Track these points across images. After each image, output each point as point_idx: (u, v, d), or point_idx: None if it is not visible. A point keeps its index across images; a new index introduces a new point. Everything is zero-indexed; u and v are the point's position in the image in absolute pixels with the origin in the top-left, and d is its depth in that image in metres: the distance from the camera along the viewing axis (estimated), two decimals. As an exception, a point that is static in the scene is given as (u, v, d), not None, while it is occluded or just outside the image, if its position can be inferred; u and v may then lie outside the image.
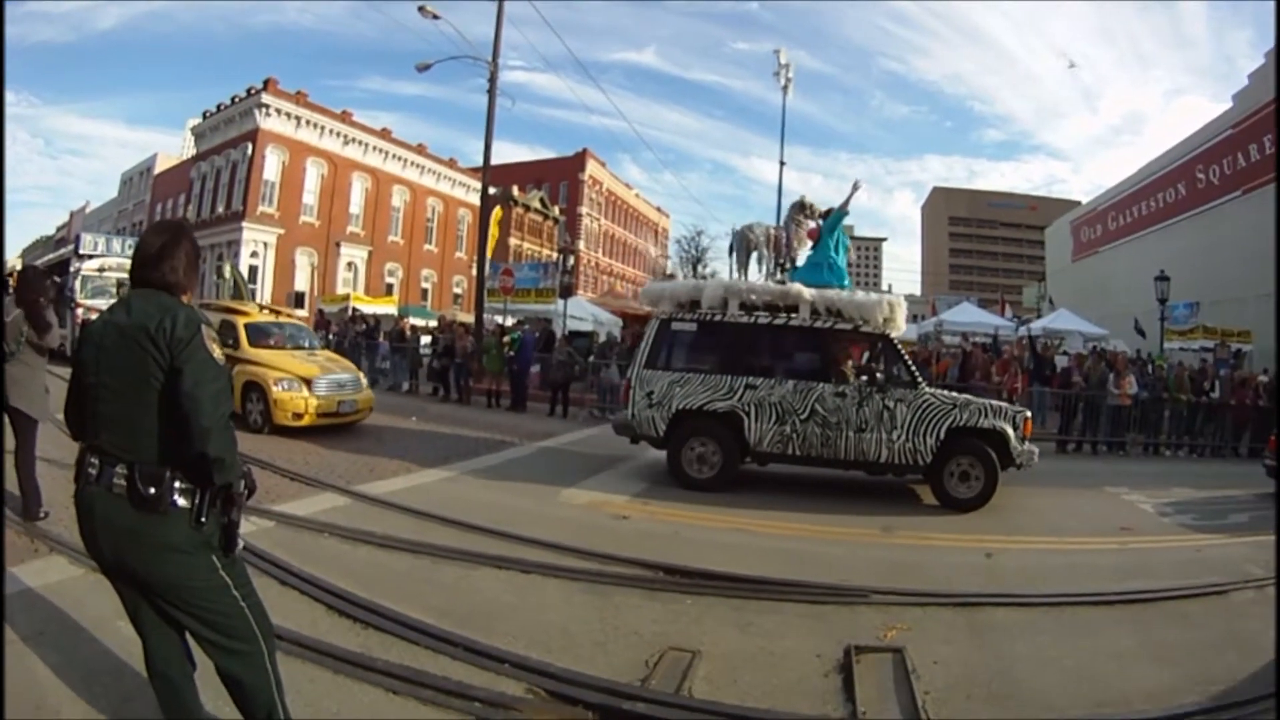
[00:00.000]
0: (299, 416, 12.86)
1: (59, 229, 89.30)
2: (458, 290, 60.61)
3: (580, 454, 13.30)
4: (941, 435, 10.07)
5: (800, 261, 12.39)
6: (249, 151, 46.51)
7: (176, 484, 2.93)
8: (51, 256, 31.36)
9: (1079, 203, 66.50)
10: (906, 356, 10.77)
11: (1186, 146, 39.92)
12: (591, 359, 20.79)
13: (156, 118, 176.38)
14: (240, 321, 14.36)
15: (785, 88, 32.49)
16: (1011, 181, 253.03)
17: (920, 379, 10.50)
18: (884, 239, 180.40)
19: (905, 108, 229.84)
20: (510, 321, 25.57)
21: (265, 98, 46.35)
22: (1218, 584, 7.20)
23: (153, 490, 2.89)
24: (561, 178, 74.67)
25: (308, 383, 13.11)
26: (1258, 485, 12.88)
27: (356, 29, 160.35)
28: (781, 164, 34.39)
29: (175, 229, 3.27)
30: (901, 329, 11.06)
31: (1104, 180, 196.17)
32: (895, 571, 7.21)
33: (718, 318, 10.96)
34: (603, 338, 25.98)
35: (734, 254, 12.77)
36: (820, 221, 12.23)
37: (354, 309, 33.21)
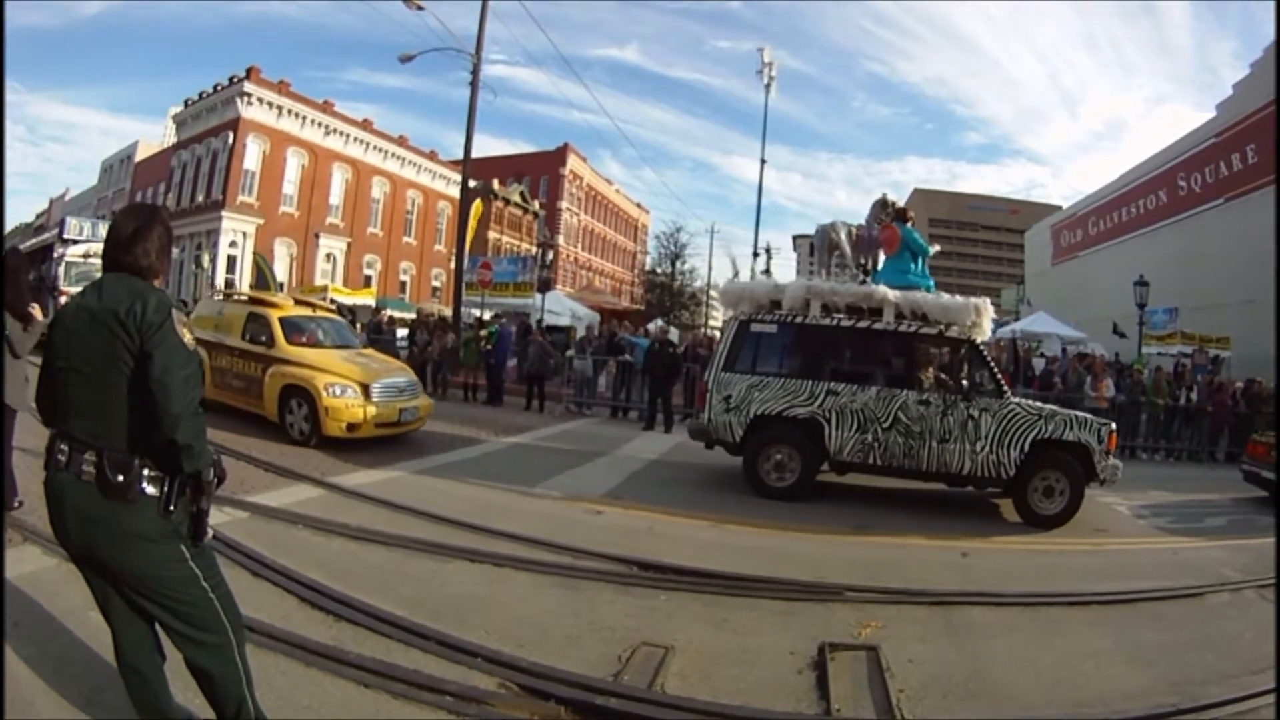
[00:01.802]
0: (354, 427, 11.18)
1: (38, 216, 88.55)
2: (436, 283, 60.46)
3: (556, 449, 13.24)
4: (1025, 448, 9.69)
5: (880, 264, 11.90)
6: (230, 140, 46.27)
7: (145, 471, 2.91)
8: (34, 242, 30.38)
9: (1059, 207, 66.96)
10: (992, 363, 10.46)
11: (1169, 154, 40.21)
12: (569, 353, 20.74)
13: (139, 106, 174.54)
14: (274, 315, 12.65)
15: (768, 86, 32.55)
16: (992, 185, 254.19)
17: (1005, 387, 10.24)
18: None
19: (887, 109, 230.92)
20: (488, 315, 25.48)
21: (247, 86, 46.11)
22: (1194, 586, 7.25)
23: (121, 477, 2.87)
24: (542, 172, 74.73)
25: (365, 388, 11.43)
26: (1233, 490, 13.01)
27: (340, 20, 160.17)
28: (763, 162, 34.88)
29: (149, 212, 3.24)
30: (987, 334, 10.75)
31: (1083, 185, 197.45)
32: (870, 570, 7.19)
33: (799, 319, 10.62)
34: (580, 332, 25.96)
35: (815, 253, 12.30)
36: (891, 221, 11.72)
37: (331, 300, 33.05)
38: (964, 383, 10.09)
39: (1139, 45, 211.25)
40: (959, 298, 10.63)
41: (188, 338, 2.99)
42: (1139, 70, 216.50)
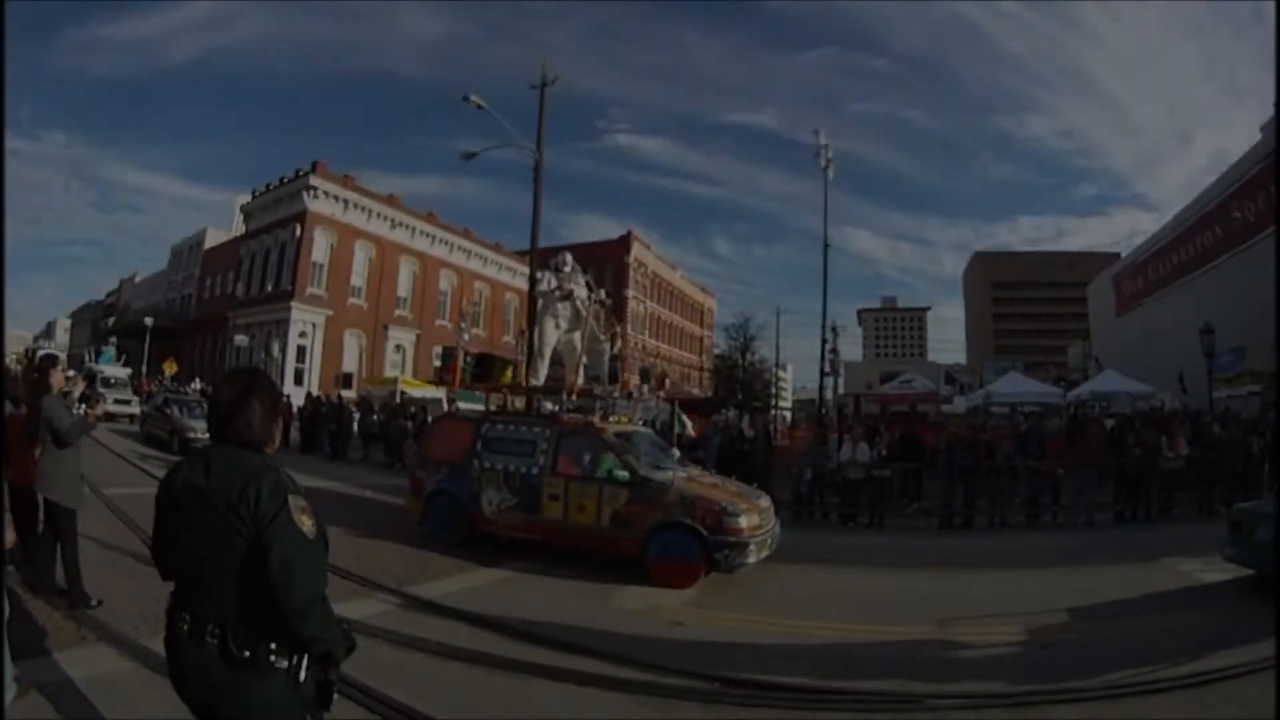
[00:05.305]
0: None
1: (109, 295, 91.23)
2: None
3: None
4: None
5: None
6: (297, 233, 47.64)
7: (273, 646, 2.84)
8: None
9: (1117, 255, 66.01)
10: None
11: (1220, 185, 39.25)
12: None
13: (213, 175, 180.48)
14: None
15: (826, 168, 31.28)
16: (1096, 238, 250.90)
17: None
18: (928, 308, 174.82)
19: (1009, 166, 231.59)
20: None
21: (314, 180, 47.54)
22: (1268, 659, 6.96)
23: (248, 654, 2.81)
24: (607, 260, 75.06)
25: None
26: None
27: (404, 119, 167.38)
28: (826, 246, 31.08)
29: (247, 378, 3.20)
30: None
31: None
32: (952, 670, 7.13)
33: None
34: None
35: None
36: None
37: (402, 393, 33.44)
38: None
39: (1252, 62, 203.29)
40: None
41: (307, 524, 2.90)
42: (1249, 92, 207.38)
